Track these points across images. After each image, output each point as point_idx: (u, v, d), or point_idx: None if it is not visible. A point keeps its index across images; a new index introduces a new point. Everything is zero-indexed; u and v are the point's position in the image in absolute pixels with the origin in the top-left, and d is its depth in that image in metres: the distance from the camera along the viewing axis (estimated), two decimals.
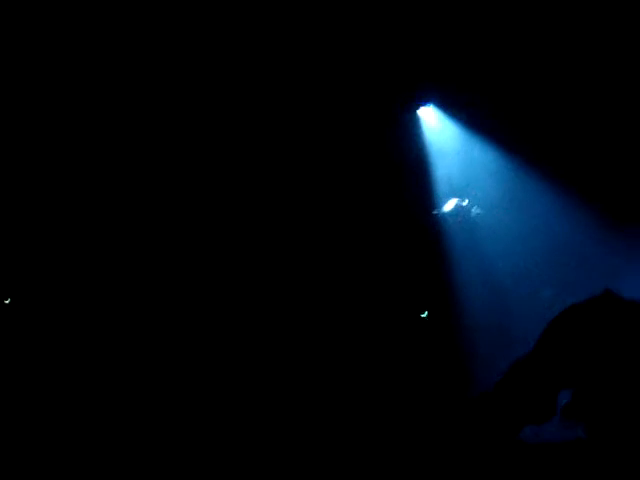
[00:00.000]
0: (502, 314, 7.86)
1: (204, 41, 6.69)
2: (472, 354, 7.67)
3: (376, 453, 6.41)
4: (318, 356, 7.15)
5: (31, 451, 5.89)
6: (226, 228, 7.19)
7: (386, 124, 7.60)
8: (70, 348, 6.50)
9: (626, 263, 7.63)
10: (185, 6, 6.57)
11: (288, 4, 6.67)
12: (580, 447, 2.03)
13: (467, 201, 8.19)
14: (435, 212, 8.27)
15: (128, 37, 6.64)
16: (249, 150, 7.29)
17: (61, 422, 6.12)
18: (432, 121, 8.06)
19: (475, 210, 8.19)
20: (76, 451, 5.95)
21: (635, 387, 2.08)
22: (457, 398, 7.00)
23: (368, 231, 7.76)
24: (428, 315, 8.06)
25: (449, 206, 8.26)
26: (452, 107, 8.01)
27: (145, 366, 6.59)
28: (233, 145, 7.22)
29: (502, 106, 7.82)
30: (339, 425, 6.47)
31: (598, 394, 1.97)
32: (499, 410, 1.98)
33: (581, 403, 1.96)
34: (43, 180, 6.68)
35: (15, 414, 6.05)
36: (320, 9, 6.74)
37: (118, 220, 6.89)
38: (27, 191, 6.65)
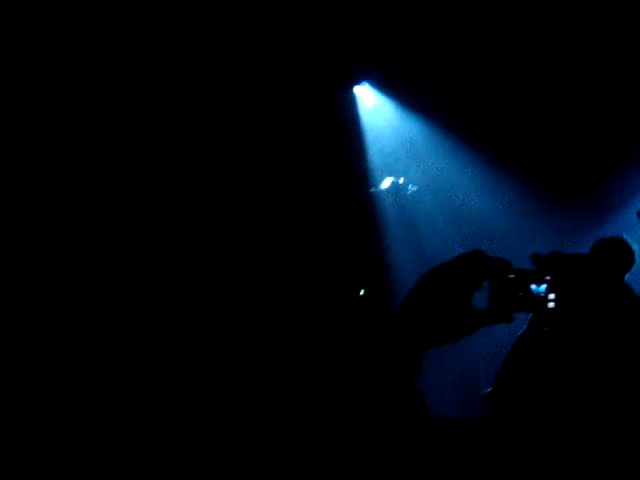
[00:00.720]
0: None
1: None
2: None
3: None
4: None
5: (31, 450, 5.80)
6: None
7: (320, 102, 7.58)
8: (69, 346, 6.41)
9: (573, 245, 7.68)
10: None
11: None
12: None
13: (403, 179, 8.23)
14: (372, 190, 8.30)
15: (128, 37, 6.60)
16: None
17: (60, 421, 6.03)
18: (368, 100, 8.07)
19: (411, 188, 8.23)
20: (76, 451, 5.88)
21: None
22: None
23: (303, 210, 7.75)
24: (365, 294, 8.10)
25: (385, 184, 8.29)
26: (389, 86, 8.02)
27: (145, 365, 6.52)
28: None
29: (439, 86, 7.85)
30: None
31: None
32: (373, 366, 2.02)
33: None
34: (43, 179, 6.59)
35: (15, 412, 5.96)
36: None
37: (118, 219, 6.82)
38: (27, 190, 6.55)
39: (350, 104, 8.01)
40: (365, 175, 8.19)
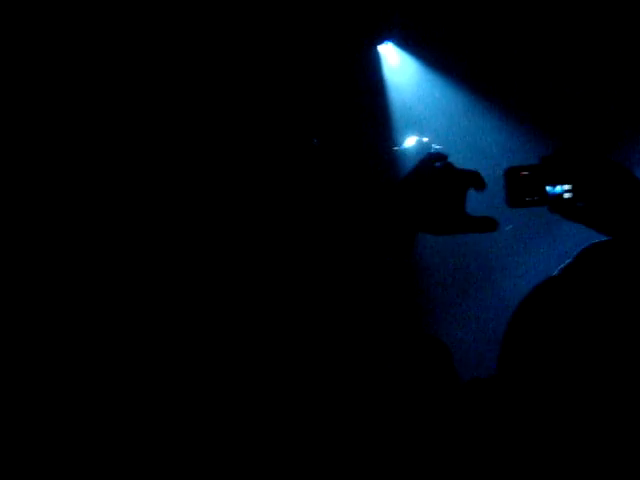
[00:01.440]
0: (458, 254, 7.99)
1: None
2: (430, 296, 7.81)
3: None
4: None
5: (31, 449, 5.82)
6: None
7: (344, 61, 7.61)
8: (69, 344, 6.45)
9: None
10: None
11: None
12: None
13: (427, 138, 8.26)
14: (396, 148, 8.35)
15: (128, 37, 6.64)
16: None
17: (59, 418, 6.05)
18: (393, 59, 8.08)
19: (435, 147, 8.27)
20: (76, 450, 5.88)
21: None
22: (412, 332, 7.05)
23: (326, 168, 7.82)
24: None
25: (410, 142, 8.34)
26: (414, 45, 8.01)
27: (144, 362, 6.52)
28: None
29: (465, 45, 7.81)
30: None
31: None
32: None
33: None
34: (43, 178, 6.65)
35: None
36: None
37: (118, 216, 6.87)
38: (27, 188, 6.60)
39: (374, 63, 8.03)
40: (389, 134, 8.23)
